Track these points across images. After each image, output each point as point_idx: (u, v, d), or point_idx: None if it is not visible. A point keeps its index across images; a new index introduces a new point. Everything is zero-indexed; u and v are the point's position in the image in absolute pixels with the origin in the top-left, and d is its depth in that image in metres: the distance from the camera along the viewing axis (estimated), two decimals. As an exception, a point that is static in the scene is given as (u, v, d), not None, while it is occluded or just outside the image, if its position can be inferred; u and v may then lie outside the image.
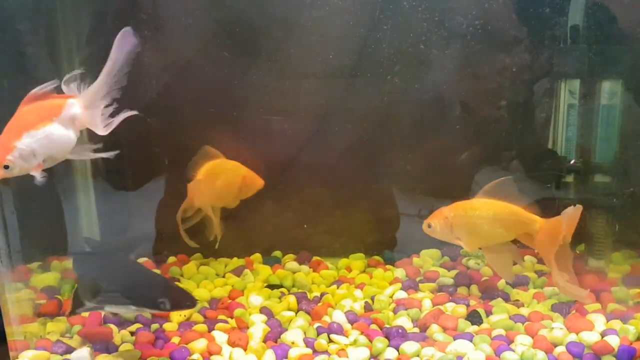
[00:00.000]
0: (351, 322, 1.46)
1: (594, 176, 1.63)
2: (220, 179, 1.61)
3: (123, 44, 1.16)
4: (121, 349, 1.35)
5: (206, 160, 1.61)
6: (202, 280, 1.71)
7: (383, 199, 1.88)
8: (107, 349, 1.34)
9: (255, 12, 1.70)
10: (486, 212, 1.48)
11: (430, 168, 1.83)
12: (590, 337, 1.34)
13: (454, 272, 1.70)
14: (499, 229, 1.48)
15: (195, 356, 1.32)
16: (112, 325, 1.43)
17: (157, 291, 1.26)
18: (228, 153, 1.64)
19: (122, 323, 1.45)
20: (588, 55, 1.57)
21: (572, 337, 1.35)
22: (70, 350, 1.33)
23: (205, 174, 1.60)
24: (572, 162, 1.59)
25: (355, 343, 1.36)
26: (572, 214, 1.41)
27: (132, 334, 1.41)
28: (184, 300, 1.28)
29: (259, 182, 1.65)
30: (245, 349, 1.35)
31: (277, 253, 1.89)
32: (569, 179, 1.64)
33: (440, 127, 1.79)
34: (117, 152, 1.25)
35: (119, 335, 1.40)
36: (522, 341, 1.35)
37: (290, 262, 1.81)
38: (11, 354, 1.31)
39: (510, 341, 1.36)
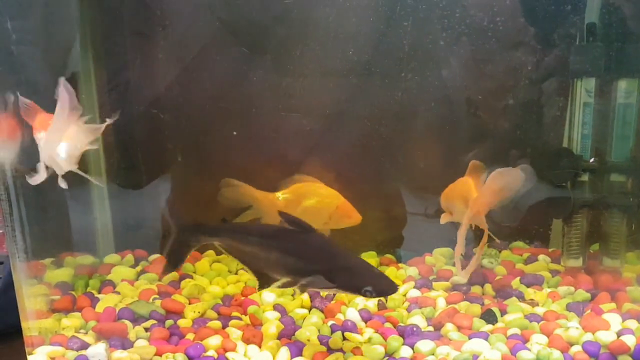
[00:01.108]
0: (365, 320, 1.46)
1: (609, 175, 1.61)
2: (308, 201, 1.53)
3: (63, 93, 1.20)
4: (136, 345, 1.35)
5: (299, 182, 1.55)
6: (215, 277, 1.71)
7: (395, 196, 1.87)
8: (123, 345, 1.34)
9: (271, 9, 1.70)
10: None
11: (441, 166, 1.82)
12: (606, 337, 1.33)
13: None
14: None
15: (210, 352, 1.32)
16: (126, 321, 1.43)
17: (362, 277, 1.22)
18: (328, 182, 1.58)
19: (137, 319, 1.45)
20: (604, 53, 1.55)
21: (588, 336, 1.35)
22: (85, 346, 1.33)
23: (292, 192, 1.54)
24: (592, 160, 1.58)
25: (369, 341, 1.36)
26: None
27: (146, 329, 1.41)
28: (388, 288, 1.22)
29: (355, 217, 1.54)
30: (259, 346, 1.35)
31: (289, 250, 1.89)
32: (584, 178, 1.63)
33: (453, 125, 1.78)
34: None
35: (134, 331, 1.40)
36: (538, 340, 1.34)
37: (303, 260, 1.80)
38: (27, 349, 1.31)
39: (525, 340, 1.35)
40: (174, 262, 1.44)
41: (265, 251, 1.31)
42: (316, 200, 1.51)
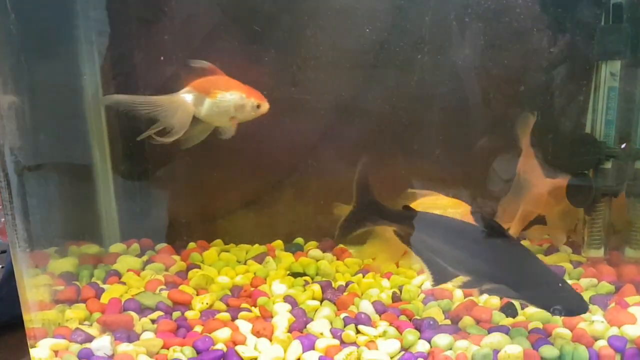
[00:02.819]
0: (379, 312, 1.41)
1: (634, 162, 1.55)
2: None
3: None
4: (142, 337, 1.30)
5: (422, 196, 1.47)
6: (223, 267, 1.66)
7: (407, 185, 1.81)
8: (128, 338, 1.29)
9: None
10: None
11: (455, 155, 1.76)
12: (633, 331, 1.27)
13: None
14: None
15: (219, 345, 1.27)
16: (132, 313, 1.38)
17: (553, 294, 1.17)
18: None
19: (143, 310, 1.41)
20: (631, 34, 1.48)
21: (614, 330, 1.29)
22: (89, 338, 1.28)
23: (419, 207, 1.44)
24: (623, 146, 1.51)
25: (384, 335, 1.31)
26: None
27: (153, 321, 1.37)
28: (579, 308, 1.18)
29: None
30: (270, 339, 1.30)
31: (299, 240, 1.84)
32: (607, 165, 1.56)
33: (471, 112, 1.72)
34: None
35: (140, 323, 1.36)
36: (561, 335, 1.28)
37: (313, 250, 1.75)
38: (29, 342, 1.27)
39: (548, 334, 1.29)
40: (343, 233, 1.39)
41: (449, 246, 1.25)
42: (442, 213, 1.42)
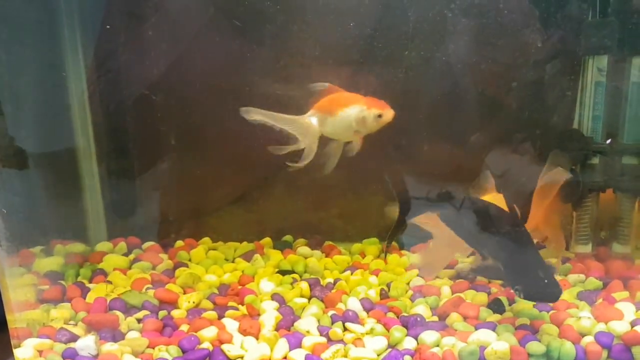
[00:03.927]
0: (367, 309, 1.40)
1: (621, 158, 1.55)
2: None
3: None
4: (127, 337, 1.29)
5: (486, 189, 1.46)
6: (211, 265, 1.65)
7: (397, 181, 1.81)
8: (114, 337, 1.28)
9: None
10: None
11: (447, 149, 1.76)
12: (619, 327, 1.27)
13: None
14: None
15: (205, 344, 1.26)
16: (118, 312, 1.37)
17: (531, 280, 1.23)
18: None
19: (129, 310, 1.40)
20: (618, 29, 1.48)
21: (601, 326, 1.29)
22: (74, 338, 1.27)
23: None
24: (609, 142, 1.51)
25: (371, 332, 1.30)
26: None
27: (138, 321, 1.36)
28: (539, 295, 1.24)
29: None
30: (257, 338, 1.29)
31: (288, 237, 1.83)
32: (595, 160, 1.56)
33: (459, 107, 1.71)
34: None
35: (126, 322, 1.34)
36: (548, 331, 1.28)
37: (302, 247, 1.75)
38: (13, 342, 1.26)
39: (535, 331, 1.29)
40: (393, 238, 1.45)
41: (476, 227, 1.33)
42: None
